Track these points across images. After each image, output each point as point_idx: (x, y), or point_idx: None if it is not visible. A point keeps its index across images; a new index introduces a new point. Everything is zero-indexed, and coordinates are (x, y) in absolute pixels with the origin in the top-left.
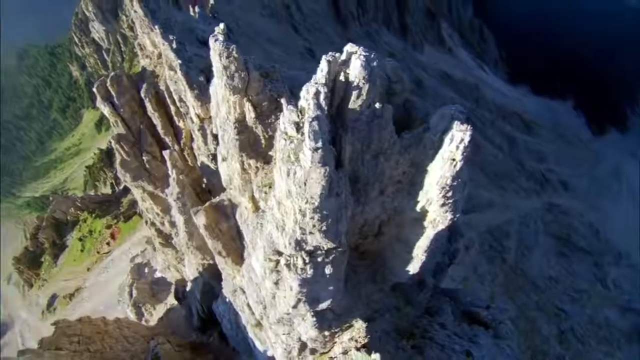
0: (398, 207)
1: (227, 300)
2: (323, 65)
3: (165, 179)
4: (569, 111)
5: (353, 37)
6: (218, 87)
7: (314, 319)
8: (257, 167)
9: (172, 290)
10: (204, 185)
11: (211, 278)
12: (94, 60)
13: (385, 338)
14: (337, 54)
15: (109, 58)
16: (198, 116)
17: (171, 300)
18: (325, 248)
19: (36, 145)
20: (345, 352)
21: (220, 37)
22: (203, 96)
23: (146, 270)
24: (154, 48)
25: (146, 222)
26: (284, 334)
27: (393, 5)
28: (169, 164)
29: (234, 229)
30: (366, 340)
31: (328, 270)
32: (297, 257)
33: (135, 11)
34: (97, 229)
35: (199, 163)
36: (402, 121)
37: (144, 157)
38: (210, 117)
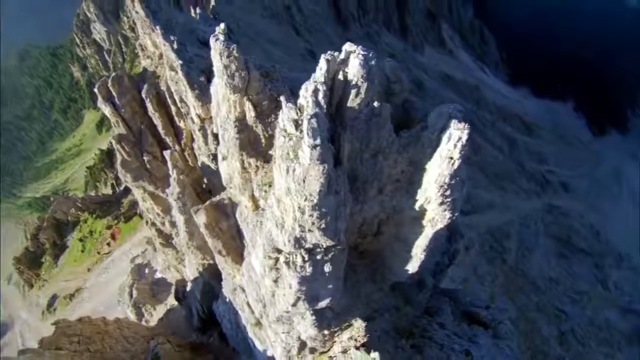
0: (397, 205)
1: (227, 300)
2: (322, 64)
3: (165, 179)
4: (569, 112)
5: (354, 38)
6: (218, 86)
7: (313, 317)
8: (257, 166)
9: (172, 290)
10: (204, 185)
11: (211, 278)
12: (95, 61)
13: (385, 337)
14: (336, 53)
15: (110, 59)
16: (199, 116)
17: (171, 301)
18: (325, 246)
19: (37, 145)
20: (344, 351)
21: (221, 37)
22: (204, 96)
23: (146, 270)
24: (155, 49)
25: (147, 222)
26: (283, 333)
27: (393, 7)
28: (169, 164)
29: (234, 228)
30: (365, 340)
31: (327, 268)
32: (296, 255)
33: (136, 12)
34: (98, 230)
35: (199, 163)
36: (401, 121)
37: (144, 158)
38: (210, 117)
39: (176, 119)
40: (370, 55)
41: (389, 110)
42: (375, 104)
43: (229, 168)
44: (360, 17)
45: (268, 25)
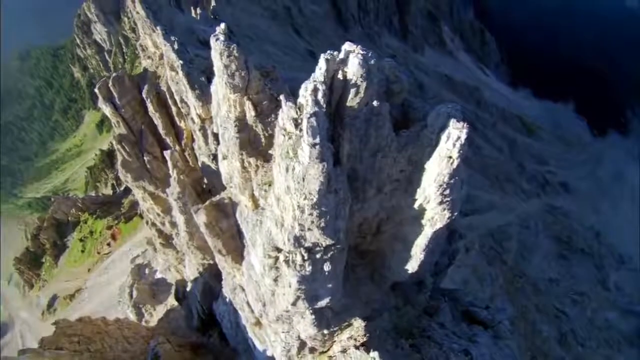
0: (396, 205)
1: (227, 300)
2: (321, 64)
3: (166, 179)
4: (570, 114)
5: (354, 39)
6: (219, 85)
7: (313, 316)
8: (257, 165)
9: (172, 290)
10: (204, 186)
11: (211, 278)
12: (95, 61)
13: (384, 337)
14: (336, 53)
15: (111, 59)
16: (199, 116)
17: (171, 301)
18: (324, 245)
19: (38, 146)
20: (344, 351)
21: (221, 37)
22: (204, 96)
23: (147, 271)
24: (155, 49)
25: (147, 222)
26: (283, 332)
27: (394, 8)
28: (169, 164)
29: (234, 228)
30: (365, 339)
31: (327, 267)
32: (295, 254)
33: (137, 13)
34: (98, 230)
35: (199, 163)
36: (401, 121)
37: (145, 158)
38: (211, 117)
39: (176, 119)
40: (370, 54)
41: (388, 110)
42: (375, 103)
43: (229, 167)
44: (360, 18)
45: (268, 26)
